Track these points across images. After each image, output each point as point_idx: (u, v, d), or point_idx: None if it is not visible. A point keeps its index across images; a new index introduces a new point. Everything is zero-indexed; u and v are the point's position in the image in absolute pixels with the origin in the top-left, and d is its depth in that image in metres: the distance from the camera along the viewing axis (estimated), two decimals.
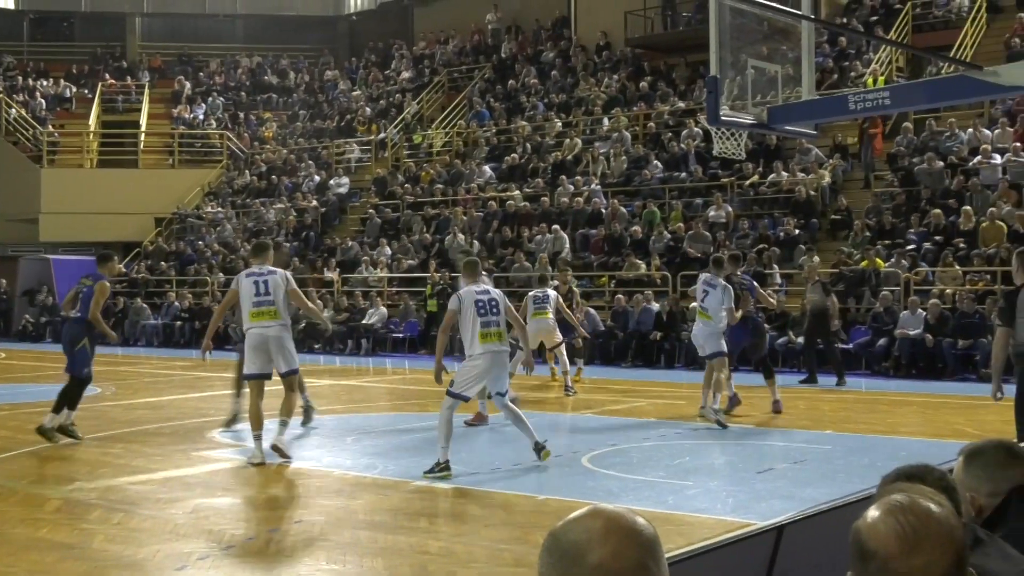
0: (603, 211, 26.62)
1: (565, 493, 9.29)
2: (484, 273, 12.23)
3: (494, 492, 9.47)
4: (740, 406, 14.20)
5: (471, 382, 10.31)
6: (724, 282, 13.75)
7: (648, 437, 11.84)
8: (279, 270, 11.23)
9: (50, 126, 38.26)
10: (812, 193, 24.04)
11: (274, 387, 11.32)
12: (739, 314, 14.00)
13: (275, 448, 10.73)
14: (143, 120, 39.15)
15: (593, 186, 27.78)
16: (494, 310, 10.30)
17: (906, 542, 2.18)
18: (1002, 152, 22.74)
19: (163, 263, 33.49)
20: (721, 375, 13.49)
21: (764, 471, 10.36)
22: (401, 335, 26.29)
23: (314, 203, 33.48)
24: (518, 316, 11.16)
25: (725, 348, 13.66)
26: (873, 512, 2.25)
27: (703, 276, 13.98)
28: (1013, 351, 9.16)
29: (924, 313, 19.59)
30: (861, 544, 2.23)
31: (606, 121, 30.51)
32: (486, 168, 31.10)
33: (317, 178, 34.93)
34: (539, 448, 10.45)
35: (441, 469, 10.04)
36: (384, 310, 26.53)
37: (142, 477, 10.26)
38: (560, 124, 31.78)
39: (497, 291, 10.68)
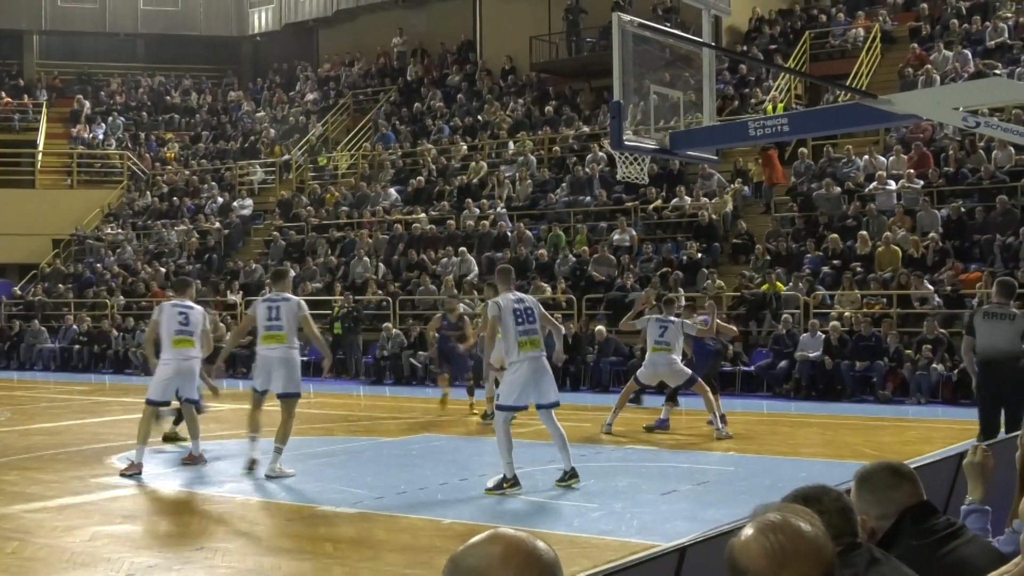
0: (509, 234, 26.71)
1: (470, 517, 9.28)
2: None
3: (399, 516, 9.42)
4: (665, 431, 14.67)
5: (515, 391, 10.46)
6: (674, 318, 14.71)
7: (553, 460, 11.84)
8: (293, 297, 11.81)
9: None
10: (714, 217, 24.40)
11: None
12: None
13: (269, 477, 11.10)
14: (41, 139, 38.29)
15: (499, 209, 27.87)
16: (530, 318, 10.57)
17: (774, 559, 2.23)
18: (897, 178, 23.33)
19: (61, 286, 32.77)
20: (709, 394, 14.29)
21: (668, 493, 10.47)
22: (306, 358, 25.77)
23: (217, 225, 33.06)
24: (554, 320, 11.52)
25: (690, 371, 14.54)
26: (746, 531, 2.31)
27: (654, 316, 14.75)
28: (977, 358, 10.96)
29: (823, 336, 19.97)
30: (734, 561, 2.29)
31: (511, 145, 30.66)
32: (391, 191, 31.02)
33: (220, 200, 34.51)
34: (571, 475, 10.45)
35: (510, 485, 10.12)
36: None
37: (38, 505, 10.02)
38: (466, 147, 31.84)
39: (531, 298, 10.99)
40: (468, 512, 9.58)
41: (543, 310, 11.04)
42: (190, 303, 11.84)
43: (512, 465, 10.27)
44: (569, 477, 10.47)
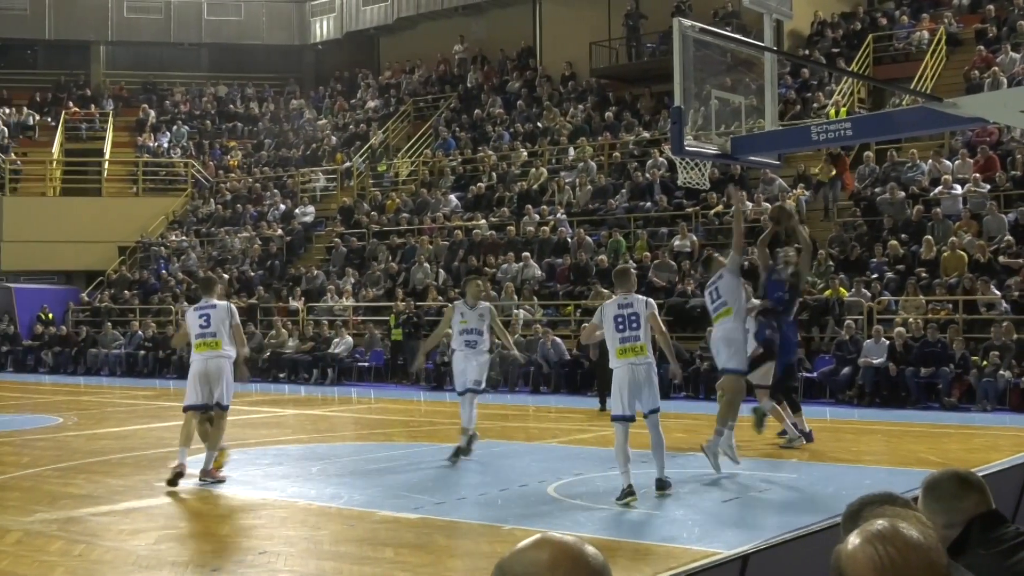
0: (569, 240, 26.67)
1: (530, 523, 9.27)
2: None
3: (460, 522, 9.43)
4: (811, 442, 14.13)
5: (619, 401, 10.34)
6: (727, 273, 12.31)
7: (614, 466, 11.83)
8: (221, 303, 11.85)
9: (12, 154, 37.95)
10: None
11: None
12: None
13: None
14: (107, 148, 38.90)
15: (559, 215, 27.85)
16: (633, 324, 10.25)
17: (883, 572, 2.14)
18: (962, 183, 22.98)
19: (127, 292, 33.26)
20: (736, 398, 12.38)
21: (730, 500, 10.39)
22: (367, 364, 26.20)
23: (279, 232, 33.37)
24: (662, 329, 10.66)
25: (745, 367, 12.52)
26: (854, 538, 2.22)
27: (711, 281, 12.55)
28: None
29: (887, 342, 19.73)
30: (840, 570, 2.20)
31: (572, 151, 30.61)
32: (452, 197, 31.12)
33: (283, 207, 34.82)
34: (663, 484, 10.37)
35: (625, 495, 9.97)
36: (350, 339, 26.45)
37: (104, 508, 10.16)
38: (526, 153, 31.87)
39: (641, 302, 10.40)
40: (528, 518, 9.56)
41: (654, 313, 10.38)
42: (214, 302, 11.72)
43: (628, 475, 10.03)
44: (662, 486, 10.36)
